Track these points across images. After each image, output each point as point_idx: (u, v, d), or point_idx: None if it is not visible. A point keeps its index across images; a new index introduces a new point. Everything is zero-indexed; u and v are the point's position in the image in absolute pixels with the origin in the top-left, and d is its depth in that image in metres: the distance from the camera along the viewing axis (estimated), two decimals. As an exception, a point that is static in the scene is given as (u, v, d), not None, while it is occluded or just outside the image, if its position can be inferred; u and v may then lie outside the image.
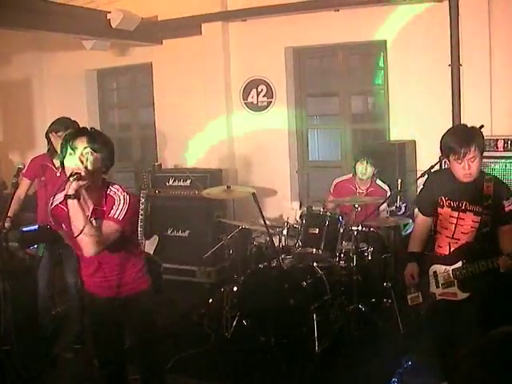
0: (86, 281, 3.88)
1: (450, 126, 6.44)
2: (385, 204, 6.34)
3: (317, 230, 6.10)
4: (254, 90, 8.41)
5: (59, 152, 3.62)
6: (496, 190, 4.11)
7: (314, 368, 5.25)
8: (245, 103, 8.50)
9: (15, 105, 10.09)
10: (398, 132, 7.57)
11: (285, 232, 6.36)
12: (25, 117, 10.05)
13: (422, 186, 4.54)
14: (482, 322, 4.18)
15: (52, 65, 9.88)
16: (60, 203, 3.55)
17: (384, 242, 6.54)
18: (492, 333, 1.96)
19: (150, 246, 7.29)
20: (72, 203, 3.33)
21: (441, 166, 5.09)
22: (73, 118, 5.74)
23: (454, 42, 6.89)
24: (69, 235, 3.53)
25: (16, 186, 5.19)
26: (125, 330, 3.93)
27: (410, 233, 4.85)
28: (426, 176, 4.56)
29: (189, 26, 8.43)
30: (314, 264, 6.02)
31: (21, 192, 5.66)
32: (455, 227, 4.20)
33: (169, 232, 7.98)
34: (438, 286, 4.28)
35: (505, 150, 6.45)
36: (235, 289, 6.10)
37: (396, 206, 6.23)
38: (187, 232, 7.93)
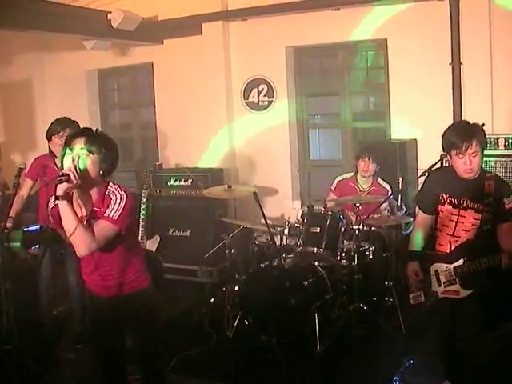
0: (85, 280, 3.88)
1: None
2: (386, 203, 6.33)
3: (318, 229, 6.10)
4: (255, 90, 8.42)
5: (60, 152, 3.63)
6: (497, 187, 4.12)
7: (315, 367, 5.25)
8: (246, 102, 8.50)
9: (16, 105, 10.09)
10: (398, 131, 7.57)
11: (286, 231, 6.34)
12: (26, 117, 10.05)
13: (422, 184, 4.54)
14: (485, 319, 4.19)
15: (53, 65, 9.89)
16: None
17: (385, 241, 6.53)
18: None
19: (151, 246, 7.29)
20: (62, 204, 3.34)
21: (442, 164, 5.08)
22: (74, 118, 5.75)
23: (454, 41, 6.89)
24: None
25: (17, 186, 5.20)
26: (126, 329, 3.93)
27: (411, 232, 4.85)
28: (426, 174, 4.57)
29: (189, 26, 8.43)
30: (316, 263, 6.02)
31: (23, 192, 5.67)
32: (456, 225, 4.21)
33: (170, 232, 7.98)
34: (439, 285, 4.28)
35: (505, 148, 6.46)
36: (237, 288, 6.10)
37: (397, 205, 6.23)
38: (188, 231, 7.93)
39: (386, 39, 7.54)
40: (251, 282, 5.94)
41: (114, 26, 7.78)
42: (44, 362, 5.33)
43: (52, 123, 5.68)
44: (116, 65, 9.45)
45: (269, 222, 5.95)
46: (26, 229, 6.77)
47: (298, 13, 7.80)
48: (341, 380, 5.06)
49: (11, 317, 4.90)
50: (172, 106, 8.92)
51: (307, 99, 8.58)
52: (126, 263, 3.76)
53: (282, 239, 6.31)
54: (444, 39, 6.95)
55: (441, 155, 4.37)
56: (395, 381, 4.88)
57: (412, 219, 6.12)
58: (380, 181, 6.73)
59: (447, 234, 4.25)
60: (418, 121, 7.35)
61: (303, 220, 6.28)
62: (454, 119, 6.90)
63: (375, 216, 6.22)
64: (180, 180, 8.04)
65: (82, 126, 5.36)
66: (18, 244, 6.90)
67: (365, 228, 6.11)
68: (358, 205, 6.16)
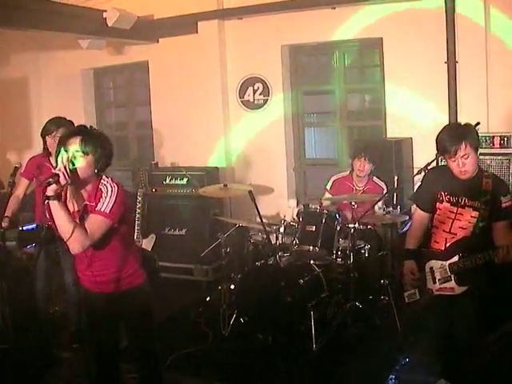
0: (80, 276, 3.89)
1: (447, 123, 6.44)
2: (381, 201, 6.35)
3: (314, 228, 6.10)
4: (251, 88, 8.42)
5: (54, 151, 3.63)
6: (495, 186, 4.15)
7: (311, 365, 5.25)
8: (241, 101, 8.50)
9: (12, 104, 10.06)
10: (394, 129, 7.58)
11: (282, 230, 6.35)
12: (22, 116, 10.02)
13: (420, 183, 4.56)
14: (481, 315, 4.21)
15: (49, 64, 9.87)
16: None
17: (381, 240, 6.54)
18: None
19: (147, 245, 7.29)
20: (53, 204, 3.35)
21: (437, 163, 5.10)
22: (70, 117, 5.74)
23: (449, 39, 6.89)
24: None
25: (12, 185, 5.19)
26: (121, 326, 3.94)
27: (407, 230, 4.86)
28: (422, 173, 4.59)
29: (185, 25, 8.42)
30: (311, 262, 6.03)
31: (19, 192, 5.68)
32: (453, 222, 4.23)
33: (166, 230, 7.98)
34: (434, 282, 4.30)
35: (501, 146, 6.46)
36: (232, 287, 6.11)
37: (392, 204, 6.24)
38: (184, 230, 7.92)
39: (381, 38, 7.54)
40: (247, 281, 5.94)
41: (110, 25, 7.76)
42: (40, 361, 5.33)
43: (46, 122, 5.67)
44: (111, 63, 9.43)
45: (264, 220, 5.95)
46: (21, 228, 6.76)
47: (294, 11, 7.80)
48: (336, 378, 5.06)
49: (7, 316, 4.90)
50: (168, 104, 8.91)
51: (303, 98, 8.58)
52: (120, 260, 3.76)
53: (277, 238, 6.32)
54: (439, 38, 6.95)
55: (436, 154, 4.39)
56: (391, 379, 4.90)
57: (408, 218, 6.14)
58: (375, 179, 6.74)
59: (443, 231, 4.27)
60: (413, 119, 7.36)
61: (299, 218, 6.28)
62: (449, 118, 6.92)
63: (371, 214, 6.24)
64: (176, 179, 8.03)
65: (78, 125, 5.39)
66: (14, 243, 6.90)
67: (360, 226, 6.13)
68: (353, 203, 6.17)
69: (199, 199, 7.61)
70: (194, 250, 7.49)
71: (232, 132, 8.60)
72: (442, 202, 4.27)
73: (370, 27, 7.52)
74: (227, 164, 8.54)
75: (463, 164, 4.03)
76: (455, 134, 4.03)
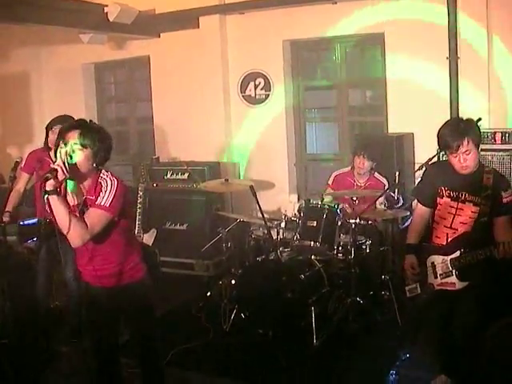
0: (81, 271, 3.89)
1: (448, 118, 6.44)
2: (382, 197, 6.34)
3: (315, 223, 6.09)
4: (252, 83, 8.41)
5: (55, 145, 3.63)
6: (495, 181, 4.14)
7: (311, 361, 5.25)
8: (242, 96, 8.49)
9: (13, 99, 10.06)
10: (395, 125, 7.57)
11: (283, 225, 6.35)
12: (23, 111, 10.03)
13: (420, 178, 4.55)
14: (482, 310, 4.21)
15: (50, 59, 9.86)
16: None
17: (382, 235, 6.54)
18: None
19: (148, 240, 7.27)
20: (52, 199, 3.34)
21: (439, 158, 5.11)
22: (70, 112, 5.72)
23: (451, 35, 6.88)
24: None
25: (13, 179, 5.19)
26: (121, 320, 3.94)
27: (408, 225, 4.86)
28: (423, 168, 4.59)
29: (186, 19, 8.41)
30: (312, 257, 6.02)
31: (20, 186, 5.67)
32: (454, 217, 4.23)
33: (167, 225, 7.98)
34: (436, 277, 4.29)
35: (502, 142, 6.46)
36: (233, 282, 6.10)
37: (394, 199, 6.24)
38: (185, 225, 7.93)
39: (383, 33, 7.53)
40: (248, 276, 5.94)
41: (111, 20, 7.75)
42: (40, 355, 5.33)
43: (53, 119, 5.68)
44: (113, 58, 9.43)
45: (265, 215, 5.95)
46: (22, 223, 6.76)
47: (296, 6, 7.79)
48: (337, 373, 5.06)
49: (8, 311, 4.90)
50: (169, 99, 8.90)
51: (304, 93, 8.58)
52: (121, 254, 3.75)
53: (278, 233, 6.31)
54: (441, 33, 6.95)
55: (437, 149, 4.38)
56: (391, 374, 4.90)
57: (409, 213, 6.13)
58: (377, 175, 6.73)
59: (444, 226, 4.27)
60: (414, 115, 7.35)
61: (300, 214, 6.27)
62: (450, 113, 6.91)
63: (372, 210, 6.23)
64: (177, 174, 8.03)
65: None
66: (15, 238, 6.91)
67: (361, 222, 6.11)
68: (354, 199, 6.16)
69: (200, 194, 7.62)
70: (195, 244, 7.49)
71: (233, 127, 8.59)
72: (442, 197, 4.26)
73: (372, 22, 7.50)
74: (228, 159, 8.53)
75: (465, 160, 4.02)
76: (457, 130, 4.01)
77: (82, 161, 3.48)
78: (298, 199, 8.31)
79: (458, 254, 4.18)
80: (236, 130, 8.59)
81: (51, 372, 5.15)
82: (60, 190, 3.43)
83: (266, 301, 5.67)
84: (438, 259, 4.27)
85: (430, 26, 7.11)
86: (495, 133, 6.48)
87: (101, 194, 3.53)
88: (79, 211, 3.55)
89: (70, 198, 3.58)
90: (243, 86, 8.46)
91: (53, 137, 5.50)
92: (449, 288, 4.24)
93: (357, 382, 4.92)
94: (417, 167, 4.88)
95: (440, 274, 4.26)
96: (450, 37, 6.89)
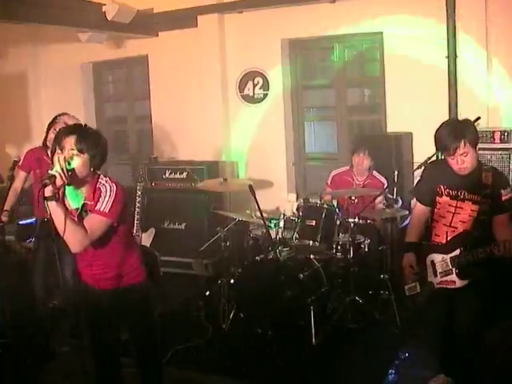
0: (81, 273, 3.89)
1: (447, 117, 6.46)
2: (381, 196, 6.34)
3: (314, 222, 6.09)
4: (250, 82, 8.41)
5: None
6: (494, 179, 4.14)
7: (310, 360, 5.25)
8: (241, 95, 8.49)
9: (11, 98, 10.04)
10: (394, 124, 7.57)
11: (281, 224, 6.34)
12: (21, 110, 10.02)
13: (419, 177, 4.55)
14: (481, 308, 4.21)
15: (48, 58, 9.85)
16: None
17: (381, 234, 6.54)
18: None
19: (146, 239, 7.27)
20: (51, 205, 3.32)
21: (437, 158, 5.10)
22: (68, 111, 5.73)
23: (450, 34, 6.88)
24: None
25: (11, 179, 5.18)
26: (120, 322, 3.93)
27: (407, 225, 4.85)
28: (422, 168, 4.59)
29: (184, 18, 8.40)
30: (311, 256, 6.01)
31: (17, 185, 5.65)
32: (453, 216, 4.22)
33: (165, 224, 7.98)
34: (435, 275, 4.29)
35: (501, 141, 6.46)
36: (232, 281, 6.09)
37: (392, 198, 6.24)
38: (184, 224, 7.92)
39: (381, 32, 7.53)
40: (246, 275, 5.93)
41: (109, 19, 7.75)
42: (39, 355, 5.32)
43: (54, 118, 5.68)
44: (111, 57, 9.42)
45: (264, 214, 5.94)
46: (20, 222, 6.76)
47: (294, 5, 7.78)
48: (336, 372, 5.06)
49: (6, 310, 4.90)
50: (167, 98, 8.90)
51: (303, 92, 8.58)
52: (121, 258, 3.75)
53: (277, 232, 6.31)
54: (440, 32, 6.94)
55: (436, 149, 4.38)
56: (390, 373, 4.90)
57: (407, 212, 6.13)
58: (375, 173, 6.74)
59: (444, 224, 4.26)
60: (413, 114, 7.34)
61: (299, 213, 6.27)
62: (449, 112, 6.90)
63: (371, 209, 6.23)
64: (175, 173, 8.02)
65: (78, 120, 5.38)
66: (13, 237, 6.90)
67: (360, 221, 6.12)
68: (353, 198, 6.16)
69: (199, 193, 7.61)
70: (194, 244, 7.48)
71: (232, 126, 8.58)
72: (441, 195, 4.26)
73: (371, 21, 7.50)
74: (227, 158, 8.52)
75: (462, 161, 4.02)
76: (454, 132, 4.00)
77: (79, 166, 3.47)
78: (297, 198, 8.30)
79: (457, 252, 4.17)
80: (234, 129, 8.58)
81: (50, 371, 5.15)
82: (58, 195, 3.42)
83: (265, 300, 5.66)
84: (437, 257, 4.27)
85: (429, 25, 7.11)
86: (494, 132, 6.48)
87: (100, 199, 3.52)
88: (78, 216, 3.54)
89: (68, 202, 3.57)
90: (241, 85, 8.46)
91: (52, 136, 5.49)
92: (449, 286, 4.24)
93: (356, 380, 4.91)
94: (415, 166, 4.88)
95: (440, 273, 4.26)
96: (449, 35, 6.88)
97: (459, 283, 4.19)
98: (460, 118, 4.59)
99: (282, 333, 5.56)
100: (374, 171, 6.74)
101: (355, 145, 6.96)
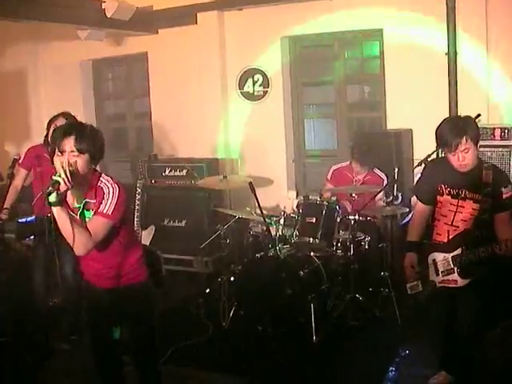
0: (83, 272, 3.90)
1: (447, 114, 6.45)
2: (381, 193, 6.34)
3: (314, 220, 6.09)
4: (250, 80, 8.40)
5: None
6: (495, 177, 4.12)
7: (311, 357, 5.25)
8: (241, 93, 8.48)
9: (10, 96, 10.02)
10: (394, 121, 7.56)
11: (282, 221, 6.34)
12: (20, 108, 9.99)
13: (420, 175, 4.54)
14: (484, 307, 4.21)
15: (47, 55, 9.83)
16: None
17: (381, 232, 6.54)
18: None
19: (146, 237, 7.27)
20: (56, 210, 3.31)
21: (437, 155, 5.09)
22: (68, 109, 5.71)
23: (450, 31, 6.86)
24: None
25: (11, 176, 5.18)
26: (121, 320, 3.94)
27: (408, 222, 4.85)
28: (422, 165, 4.58)
29: (184, 16, 8.39)
30: (311, 253, 6.01)
31: (17, 182, 5.64)
32: (454, 214, 4.21)
33: (165, 222, 7.98)
34: (437, 274, 4.28)
35: (502, 138, 6.45)
36: (232, 279, 6.09)
37: (393, 196, 6.23)
38: (184, 222, 7.93)
39: (381, 29, 7.52)
40: (247, 273, 5.93)
41: (109, 16, 7.74)
42: (39, 352, 5.32)
43: (56, 115, 5.66)
44: (110, 55, 9.39)
45: (264, 212, 5.94)
46: (20, 220, 6.75)
47: (294, 2, 7.77)
48: (336, 370, 5.06)
49: (6, 308, 4.90)
50: (167, 96, 8.89)
51: (302, 89, 8.57)
52: (122, 257, 3.75)
53: (277, 229, 6.30)
54: (440, 29, 6.93)
55: (436, 146, 4.37)
56: (391, 371, 4.90)
57: (408, 209, 6.13)
58: (376, 170, 6.73)
59: (445, 223, 4.25)
60: (413, 111, 7.33)
61: (299, 210, 6.27)
62: (449, 109, 6.89)
63: (371, 206, 6.23)
64: (175, 170, 8.03)
65: (76, 117, 5.37)
66: (13, 235, 6.89)
67: (361, 218, 6.11)
68: (353, 194, 6.16)
69: (199, 191, 7.61)
70: (194, 241, 7.46)
71: (232, 123, 8.58)
72: (442, 194, 4.25)
73: (370, 18, 7.49)
74: (227, 155, 8.52)
75: (463, 158, 4.00)
76: (455, 128, 3.99)
77: (81, 166, 3.45)
78: (297, 195, 8.30)
79: (459, 251, 4.16)
80: (234, 126, 8.57)
81: (50, 369, 5.14)
82: (62, 200, 3.39)
83: (265, 297, 5.66)
84: (439, 256, 4.26)
85: (429, 22, 7.10)
86: (494, 129, 6.48)
87: (103, 201, 3.50)
88: (79, 214, 3.54)
89: (69, 201, 3.56)
90: (241, 83, 8.45)
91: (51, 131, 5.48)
92: (450, 285, 4.23)
93: (356, 378, 4.91)
94: (416, 163, 4.87)
95: (442, 272, 4.25)
96: (449, 32, 6.86)
97: (461, 282, 4.18)
98: (460, 114, 4.58)
99: (282, 330, 5.56)
100: (375, 168, 6.74)
101: (355, 141, 6.96)
